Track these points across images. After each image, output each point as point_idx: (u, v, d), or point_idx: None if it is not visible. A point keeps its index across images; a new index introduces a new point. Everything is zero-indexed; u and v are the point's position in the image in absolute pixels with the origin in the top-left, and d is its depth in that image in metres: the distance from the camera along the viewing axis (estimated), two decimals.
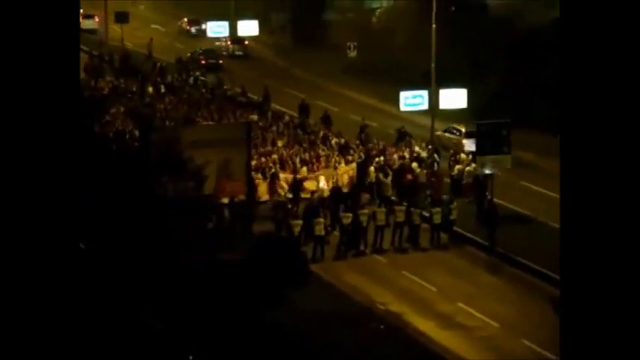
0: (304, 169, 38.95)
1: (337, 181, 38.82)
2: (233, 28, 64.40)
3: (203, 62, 61.62)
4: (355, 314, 30.16)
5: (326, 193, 37.47)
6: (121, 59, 59.68)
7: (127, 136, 40.47)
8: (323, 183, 38.00)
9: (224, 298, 24.45)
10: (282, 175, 38.18)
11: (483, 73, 52.71)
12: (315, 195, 36.79)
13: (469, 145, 43.84)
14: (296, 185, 37.83)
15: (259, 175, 38.02)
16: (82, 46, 61.19)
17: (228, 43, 66.24)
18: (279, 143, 41.84)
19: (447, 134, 47.50)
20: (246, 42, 66.53)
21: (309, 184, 37.96)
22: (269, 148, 41.09)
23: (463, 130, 46.71)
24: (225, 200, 34.97)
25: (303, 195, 37.58)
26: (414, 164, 40.26)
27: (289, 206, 35.79)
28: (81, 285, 18.31)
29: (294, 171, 38.72)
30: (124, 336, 22.47)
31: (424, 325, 29.78)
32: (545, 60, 49.95)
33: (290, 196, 37.24)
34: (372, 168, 39.62)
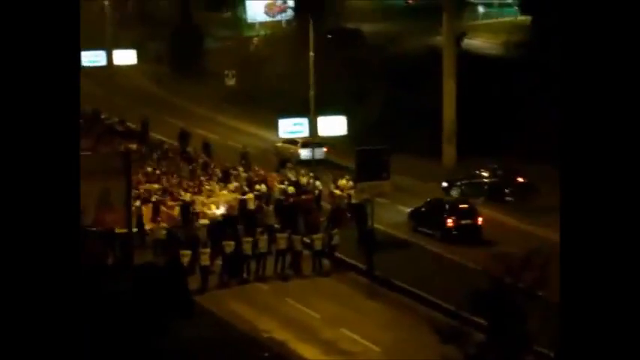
0: (187, 195, 38.71)
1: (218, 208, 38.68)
2: (110, 57, 63.71)
3: None
4: (239, 342, 30.04)
5: (223, 218, 37.36)
6: None
7: None
8: (218, 209, 37.86)
9: (107, 327, 24.09)
10: (169, 203, 37.86)
11: (362, 100, 53.27)
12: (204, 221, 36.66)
13: (304, 154, 47.64)
14: (186, 212, 37.54)
15: (138, 203, 37.59)
16: None
17: None
18: (159, 172, 41.52)
19: (285, 145, 49.76)
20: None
21: (203, 210, 37.76)
22: (150, 177, 40.72)
23: (300, 141, 48.87)
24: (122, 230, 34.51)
25: (201, 221, 37.25)
26: (291, 188, 40.36)
27: (178, 235, 35.47)
28: None
29: (176, 199, 38.45)
30: None
31: (308, 352, 29.81)
32: (421, 86, 50.85)
33: (179, 223, 36.93)
34: (251, 195, 39.58)
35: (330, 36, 59.77)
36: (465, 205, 40.41)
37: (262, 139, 53.23)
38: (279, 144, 49.94)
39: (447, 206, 40.34)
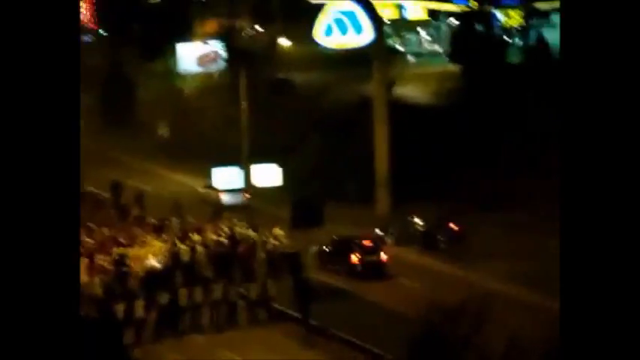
0: (121, 249, 38.35)
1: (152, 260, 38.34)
2: None
3: None
4: None
5: (157, 270, 37.02)
6: None
7: None
8: (152, 260, 37.52)
9: None
10: (102, 256, 37.48)
11: (295, 149, 53.44)
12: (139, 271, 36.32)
13: (225, 199, 49.31)
14: (120, 265, 37.15)
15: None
16: None
17: None
18: (92, 225, 41.11)
19: (208, 191, 51.34)
20: None
21: (137, 262, 37.38)
22: (83, 230, 40.24)
23: (220, 187, 50.60)
24: None
25: (135, 273, 36.87)
26: (224, 239, 40.27)
27: (113, 288, 35.07)
28: None
29: (110, 252, 38.05)
30: None
31: None
32: (353, 135, 51.20)
33: (116, 274, 36.56)
34: (185, 246, 39.33)
35: (260, 87, 59.95)
36: (369, 243, 41.42)
37: (196, 189, 53.04)
38: (202, 190, 51.90)
39: (351, 244, 41.22)
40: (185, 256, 38.91)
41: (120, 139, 63.78)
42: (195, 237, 40.19)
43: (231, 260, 38.63)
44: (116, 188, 49.72)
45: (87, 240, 38.93)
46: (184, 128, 61.17)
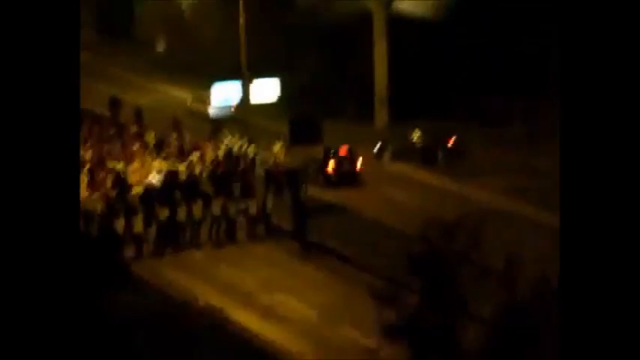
0: (121, 164, 38.34)
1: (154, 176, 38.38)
2: None
3: None
4: (175, 311, 29.97)
5: (157, 184, 37.07)
6: None
7: None
8: (151, 177, 37.53)
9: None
10: (102, 174, 37.49)
11: (295, 65, 53.16)
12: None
13: (212, 112, 50.25)
14: (119, 181, 37.19)
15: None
16: None
17: None
18: (91, 141, 41.07)
19: (195, 104, 52.35)
20: None
21: (136, 179, 37.43)
22: (82, 147, 40.21)
23: (209, 98, 51.58)
24: None
25: (135, 190, 36.95)
26: (221, 153, 40.30)
27: (113, 204, 35.13)
28: None
29: (109, 169, 38.08)
30: None
31: (246, 319, 29.86)
32: (353, 51, 50.87)
33: (113, 192, 36.61)
34: (184, 163, 39.32)
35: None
36: (345, 153, 42.89)
37: (194, 106, 52.88)
38: (190, 103, 52.65)
39: (328, 155, 42.74)
40: (184, 173, 38.95)
41: (117, 55, 63.48)
42: (196, 154, 40.20)
43: (230, 177, 38.68)
44: (114, 105, 49.55)
45: (86, 157, 38.94)
46: (183, 44, 60.78)
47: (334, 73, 51.56)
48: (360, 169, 42.80)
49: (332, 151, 42.87)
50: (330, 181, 42.07)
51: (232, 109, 49.91)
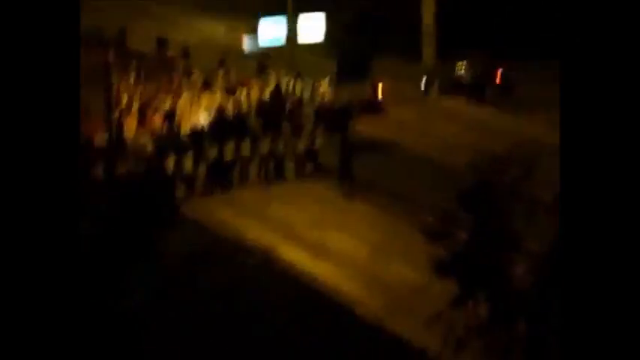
0: (168, 103, 38.37)
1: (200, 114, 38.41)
2: None
3: None
4: (225, 250, 30.14)
5: (206, 125, 37.10)
6: None
7: None
8: (201, 115, 37.57)
9: (91, 240, 24.04)
10: (151, 112, 37.57)
11: (341, 1, 52.68)
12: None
13: (247, 45, 48.54)
14: (170, 120, 37.26)
15: (117, 113, 37.24)
16: None
17: None
18: (139, 81, 41.12)
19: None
20: None
21: (184, 117, 37.49)
22: (130, 87, 40.30)
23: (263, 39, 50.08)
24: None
25: (183, 130, 37.05)
26: (269, 93, 40.21)
27: (164, 143, 35.21)
28: None
29: (158, 107, 38.13)
30: None
31: (296, 256, 29.95)
32: None
33: (165, 129, 36.73)
34: (231, 101, 39.28)
35: None
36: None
37: (241, 43, 52.65)
38: (225, 36, 52.60)
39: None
40: (232, 111, 38.93)
41: None
42: (243, 92, 40.15)
43: (277, 114, 38.62)
44: (161, 43, 49.55)
45: (135, 96, 39.02)
46: None
47: (381, 7, 51.04)
48: (382, 98, 42.70)
49: None
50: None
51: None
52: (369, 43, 40.94)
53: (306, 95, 41.04)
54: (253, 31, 49.98)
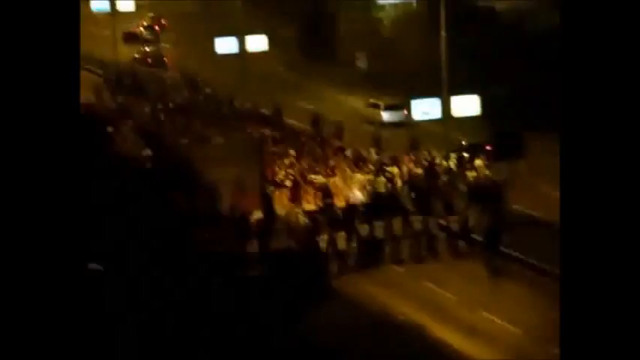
0: (323, 179, 38.62)
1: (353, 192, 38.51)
2: (242, 43, 63.99)
3: None
4: (375, 326, 29.91)
5: (359, 201, 37.23)
6: (132, 78, 59.62)
7: (141, 154, 40.29)
8: (354, 192, 37.73)
9: (245, 313, 24.25)
10: (306, 187, 37.93)
11: (495, 79, 52.47)
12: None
13: (386, 116, 53.51)
14: (327, 195, 37.52)
15: (272, 188, 37.67)
16: (90, 67, 61.32)
17: None
18: (292, 154, 41.58)
19: (369, 109, 54.78)
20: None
21: (338, 193, 37.74)
22: (285, 161, 40.80)
23: (382, 104, 54.35)
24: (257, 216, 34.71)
25: (337, 206, 37.29)
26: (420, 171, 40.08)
27: (318, 219, 35.33)
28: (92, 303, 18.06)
29: (312, 182, 38.45)
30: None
31: (446, 335, 29.49)
32: (557, 64, 49.68)
33: (319, 205, 36.99)
34: (383, 179, 39.26)
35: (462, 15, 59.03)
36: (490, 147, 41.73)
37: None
38: (365, 108, 55.23)
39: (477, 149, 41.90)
40: (384, 188, 38.91)
41: (320, 73, 64.17)
42: (394, 169, 40.13)
43: (430, 192, 38.41)
44: (316, 121, 50.20)
45: (288, 171, 39.42)
46: (383, 59, 60.92)
47: (537, 85, 50.58)
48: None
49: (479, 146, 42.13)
50: None
51: (405, 114, 51.41)
52: (525, 120, 40.46)
53: (460, 172, 40.75)
54: (396, 107, 50.36)
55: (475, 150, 43.15)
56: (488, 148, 41.77)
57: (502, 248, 35.36)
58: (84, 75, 57.34)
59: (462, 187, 39.63)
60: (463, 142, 44.12)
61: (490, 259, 34.59)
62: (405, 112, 51.22)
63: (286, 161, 40.85)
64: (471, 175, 40.31)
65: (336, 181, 38.68)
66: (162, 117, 50.02)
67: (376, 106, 54.63)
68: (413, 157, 41.83)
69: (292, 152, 42.20)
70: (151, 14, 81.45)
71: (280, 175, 39.17)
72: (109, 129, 43.67)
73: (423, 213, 36.18)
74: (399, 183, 39.18)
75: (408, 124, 49.88)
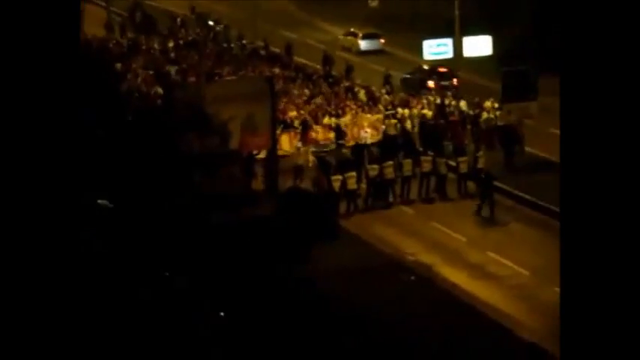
0: (333, 119, 38.61)
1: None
2: None
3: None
4: (384, 266, 30.02)
5: (369, 141, 37.29)
6: (142, 15, 59.25)
7: (152, 93, 40.24)
8: (365, 131, 37.74)
9: (251, 254, 24.32)
10: (316, 126, 37.93)
11: (508, 19, 52.05)
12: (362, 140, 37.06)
13: (364, 45, 55.37)
14: (338, 135, 37.52)
15: (281, 128, 37.65)
16: (100, 2, 60.91)
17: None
18: (306, 95, 41.51)
19: (347, 37, 56.60)
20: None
21: (349, 133, 37.80)
22: (296, 100, 40.73)
23: (360, 33, 56.27)
24: (263, 155, 34.78)
25: (347, 143, 37.35)
26: (430, 113, 39.99)
27: (328, 159, 35.34)
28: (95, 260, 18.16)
29: (322, 122, 38.44)
30: (147, 294, 22.38)
31: (455, 276, 29.61)
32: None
33: (331, 144, 37.05)
34: (394, 120, 39.21)
35: None
36: (444, 69, 46.44)
37: (406, 62, 52.64)
38: (341, 37, 56.89)
39: (430, 72, 47.17)
40: (395, 130, 38.91)
41: (330, 10, 63.69)
42: (405, 110, 40.10)
43: (441, 133, 38.39)
44: (327, 60, 49.99)
45: (300, 112, 39.33)
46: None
47: (548, 26, 50.14)
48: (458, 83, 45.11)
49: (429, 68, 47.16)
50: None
51: (381, 42, 55.21)
52: (538, 61, 40.11)
53: (470, 113, 40.65)
54: (417, 51, 50.15)
55: (431, 74, 47.01)
56: (455, 82, 45.26)
57: (514, 190, 35.38)
58: (94, 10, 57.29)
59: (473, 129, 39.55)
60: (425, 67, 47.80)
61: (481, 201, 34.47)
62: (382, 40, 55.47)
63: (297, 101, 40.82)
64: (482, 115, 40.18)
65: (346, 121, 38.67)
66: (172, 54, 49.85)
67: (354, 35, 56.50)
68: (423, 98, 41.78)
69: (303, 92, 42.17)
70: None
71: (290, 114, 39.14)
72: (119, 65, 43.56)
73: (433, 153, 36.08)
74: (409, 124, 39.17)
75: (383, 51, 54.38)
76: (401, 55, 54.45)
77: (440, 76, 46.42)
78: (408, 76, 47.62)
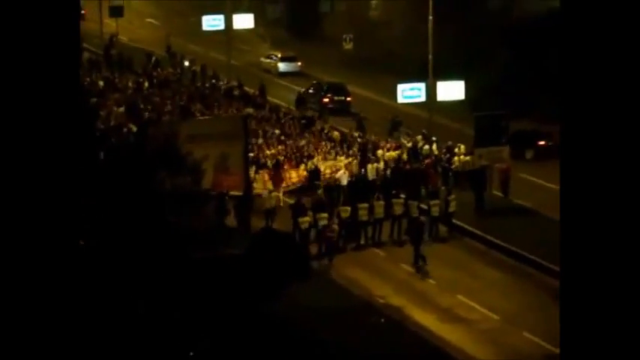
0: (310, 162, 38.72)
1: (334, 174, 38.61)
2: (229, 21, 63.74)
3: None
4: (354, 308, 29.97)
5: (344, 182, 37.43)
6: (117, 54, 59.35)
7: (124, 130, 40.20)
8: (341, 173, 37.85)
9: (223, 292, 24.22)
10: (288, 168, 37.99)
11: (481, 64, 52.45)
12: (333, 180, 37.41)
13: (283, 67, 59.20)
14: (313, 177, 37.57)
15: (254, 168, 37.70)
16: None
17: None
18: (279, 135, 41.61)
19: (266, 60, 60.45)
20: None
21: (324, 176, 37.89)
22: (270, 140, 40.82)
23: (279, 55, 60.20)
24: (237, 193, 34.80)
25: (322, 183, 37.45)
26: (404, 155, 40.16)
27: (302, 201, 35.35)
28: (80, 282, 18.07)
29: (298, 163, 38.53)
30: (119, 331, 22.26)
31: (424, 319, 29.59)
32: (544, 50, 49.72)
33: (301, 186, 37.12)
34: (374, 164, 39.35)
35: None
36: (339, 85, 52.41)
37: (379, 104, 52.93)
38: (262, 59, 60.55)
39: (325, 87, 52.01)
40: (368, 172, 39.06)
41: (306, 52, 63.95)
42: (378, 152, 40.28)
43: (412, 176, 38.51)
44: (301, 101, 50.22)
45: (276, 149, 39.46)
46: (370, 42, 60.84)
47: (523, 72, 50.59)
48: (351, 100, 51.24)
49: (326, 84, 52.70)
50: (325, 110, 49.52)
51: (299, 65, 58.84)
52: (510, 106, 40.37)
53: (442, 157, 40.85)
54: (392, 94, 50.39)
55: (327, 90, 51.43)
56: (349, 99, 51.44)
57: (483, 234, 35.56)
58: None
59: (445, 173, 39.75)
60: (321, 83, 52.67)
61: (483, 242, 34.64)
62: (299, 63, 59.10)
63: (270, 141, 40.94)
64: (454, 159, 40.42)
65: (318, 163, 38.81)
66: (146, 92, 49.90)
67: (273, 58, 59.94)
68: (396, 142, 42.02)
69: (276, 132, 42.29)
70: None
71: (263, 155, 39.25)
72: (93, 100, 43.53)
73: (404, 196, 36.18)
74: (382, 166, 39.34)
75: (301, 74, 57.65)
76: (319, 76, 55.34)
77: (335, 92, 51.59)
78: (311, 91, 52.01)
